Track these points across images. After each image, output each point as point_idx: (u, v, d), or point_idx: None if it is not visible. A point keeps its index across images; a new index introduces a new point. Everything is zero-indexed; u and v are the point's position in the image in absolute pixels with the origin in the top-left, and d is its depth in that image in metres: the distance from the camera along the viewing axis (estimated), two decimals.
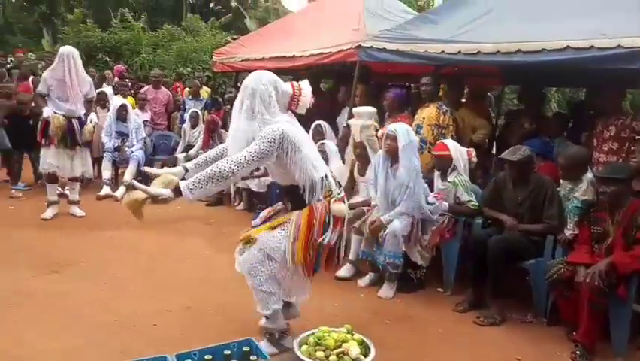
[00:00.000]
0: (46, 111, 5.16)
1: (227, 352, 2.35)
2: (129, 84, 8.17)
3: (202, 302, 3.52)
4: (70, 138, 5.25)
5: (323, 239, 2.63)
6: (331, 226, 2.67)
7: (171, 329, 3.15)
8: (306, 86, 2.76)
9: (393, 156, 3.78)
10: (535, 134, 4.58)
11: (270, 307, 2.77)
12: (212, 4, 21.11)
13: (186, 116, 7.12)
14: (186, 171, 2.75)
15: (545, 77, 5.30)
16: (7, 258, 4.15)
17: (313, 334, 2.18)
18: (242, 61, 6.60)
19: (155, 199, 2.51)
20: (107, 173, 6.36)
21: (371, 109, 4.12)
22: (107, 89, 7.59)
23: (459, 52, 4.02)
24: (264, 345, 2.85)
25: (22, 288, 3.58)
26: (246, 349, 2.40)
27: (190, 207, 6.12)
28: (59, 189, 5.67)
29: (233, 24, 18.04)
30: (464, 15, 4.48)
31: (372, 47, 4.65)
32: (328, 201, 2.69)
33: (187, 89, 8.73)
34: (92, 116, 5.55)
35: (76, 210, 5.41)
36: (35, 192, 6.26)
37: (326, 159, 4.67)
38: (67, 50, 5.23)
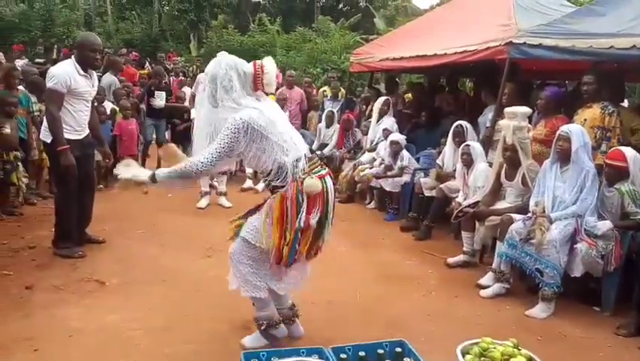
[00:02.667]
0: (194, 113, 5.67)
1: (380, 351, 2.35)
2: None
3: (343, 297, 3.58)
4: None
5: (298, 222, 2.53)
6: (305, 205, 2.54)
7: (316, 321, 3.22)
8: (267, 63, 2.61)
9: (564, 158, 3.53)
10: None
11: (253, 294, 2.71)
12: (341, 6, 21.57)
13: (323, 115, 7.32)
14: None
15: None
16: (172, 241, 4.59)
17: (477, 344, 2.09)
18: (380, 61, 6.62)
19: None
20: (249, 168, 6.78)
21: (526, 109, 3.85)
22: None
23: (633, 46, 3.60)
24: (251, 339, 2.84)
25: (181, 268, 3.94)
26: (398, 350, 2.38)
27: None
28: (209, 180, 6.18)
29: (361, 24, 18.23)
30: (636, 5, 4.01)
31: (525, 43, 4.36)
32: (302, 181, 2.56)
33: (326, 89, 8.98)
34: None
35: (224, 201, 5.84)
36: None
37: (470, 161, 4.50)
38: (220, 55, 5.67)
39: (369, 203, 6.21)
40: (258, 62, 2.59)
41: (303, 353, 2.31)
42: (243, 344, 2.81)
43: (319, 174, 2.64)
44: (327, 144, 7.10)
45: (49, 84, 3.81)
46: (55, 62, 12.28)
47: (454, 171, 4.99)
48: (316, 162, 2.70)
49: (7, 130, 4.76)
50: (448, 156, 5.17)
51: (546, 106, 4.26)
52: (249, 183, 6.67)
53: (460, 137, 4.97)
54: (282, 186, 2.57)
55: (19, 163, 5.08)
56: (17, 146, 5.06)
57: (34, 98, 5.60)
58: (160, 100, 7.11)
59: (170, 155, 2.73)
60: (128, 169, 2.69)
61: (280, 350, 2.32)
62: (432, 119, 6.24)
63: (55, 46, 15.44)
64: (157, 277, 3.72)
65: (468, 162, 4.53)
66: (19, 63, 10.81)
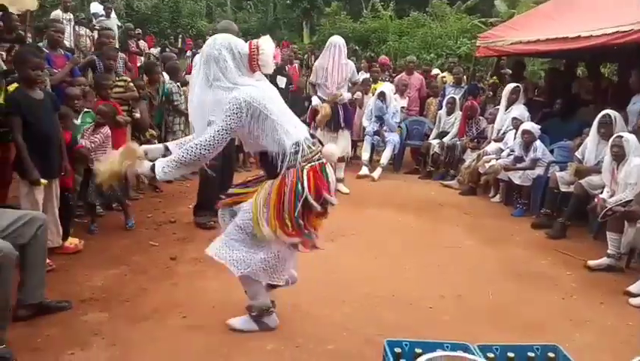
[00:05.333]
0: (315, 100, 5.73)
1: (530, 354, 2.20)
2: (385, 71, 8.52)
3: (473, 293, 3.44)
4: (333, 122, 5.74)
5: (296, 212, 2.42)
6: (305, 193, 2.43)
7: (445, 314, 3.14)
8: (264, 42, 2.46)
9: None
10: None
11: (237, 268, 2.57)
12: None
13: (444, 102, 7.06)
14: (166, 149, 2.67)
15: None
16: None
17: None
18: (511, 44, 6.18)
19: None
20: (365, 155, 6.75)
21: None
22: (365, 75, 8.03)
23: None
24: (241, 321, 2.73)
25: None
26: (551, 355, 2.21)
27: (444, 193, 6.15)
28: None
29: (478, 7, 17.27)
30: None
31: None
32: (302, 168, 2.45)
33: (445, 75, 8.68)
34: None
35: (342, 188, 5.88)
36: None
37: (622, 155, 4.05)
38: (334, 40, 5.69)
39: (494, 196, 5.88)
40: (254, 41, 2.48)
41: (447, 347, 2.23)
42: (230, 324, 2.77)
43: (320, 161, 2.55)
44: (447, 132, 6.83)
45: (193, 72, 4.06)
46: (180, 51, 13.27)
47: (597, 165, 4.55)
48: (317, 150, 2.59)
49: (138, 115, 5.00)
50: (590, 148, 4.71)
51: None
52: (364, 170, 6.64)
53: (607, 128, 4.49)
54: (278, 173, 2.47)
55: (156, 141, 5.47)
56: (147, 128, 5.26)
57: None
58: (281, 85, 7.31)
59: (129, 154, 2.54)
60: (122, 159, 2.52)
61: (424, 341, 2.26)
62: (567, 107, 5.74)
63: (180, 36, 16.63)
64: None
65: (619, 156, 4.07)
66: (153, 52, 11.83)
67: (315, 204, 2.47)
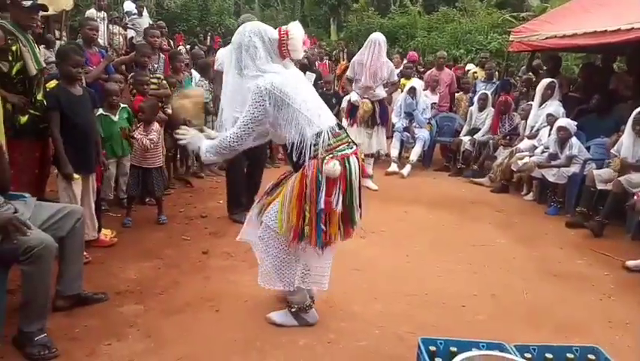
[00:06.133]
0: (353, 95, 5.68)
1: (569, 355, 2.13)
2: (414, 67, 8.43)
3: (507, 292, 3.36)
4: (371, 118, 5.71)
5: (318, 202, 2.38)
6: (324, 186, 2.38)
7: (479, 313, 3.08)
8: (293, 27, 2.40)
9: None
10: None
11: (272, 284, 2.63)
12: None
13: (475, 98, 6.93)
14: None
15: None
16: None
17: None
18: (546, 39, 6.02)
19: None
20: (394, 151, 6.68)
21: None
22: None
23: None
24: (281, 315, 2.70)
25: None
26: (591, 357, 2.14)
27: (475, 190, 6.05)
28: None
29: (509, 1, 16.92)
30: None
31: None
32: (322, 159, 2.39)
33: (476, 70, 8.53)
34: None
35: (371, 184, 5.84)
36: None
37: None
38: (374, 37, 5.63)
39: (527, 194, 5.74)
40: (284, 27, 2.46)
41: (483, 346, 2.19)
42: (270, 318, 2.76)
43: (343, 153, 2.46)
44: (478, 129, 6.71)
45: (215, 67, 4.09)
46: (208, 48, 13.41)
47: (637, 162, 4.41)
48: (344, 139, 2.52)
49: (169, 110, 4.98)
50: (627, 146, 4.56)
51: None
52: (394, 167, 6.59)
53: None
54: (303, 164, 2.44)
55: None
56: (181, 124, 5.39)
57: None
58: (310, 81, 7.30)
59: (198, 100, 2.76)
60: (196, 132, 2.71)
61: (459, 340, 2.22)
62: (605, 103, 5.56)
63: (209, 34, 16.80)
64: None
65: None
66: (182, 50, 11.98)
67: (330, 200, 2.41)
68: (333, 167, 2.38)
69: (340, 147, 2.48)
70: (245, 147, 2.50)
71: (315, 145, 2.42)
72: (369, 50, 5.55)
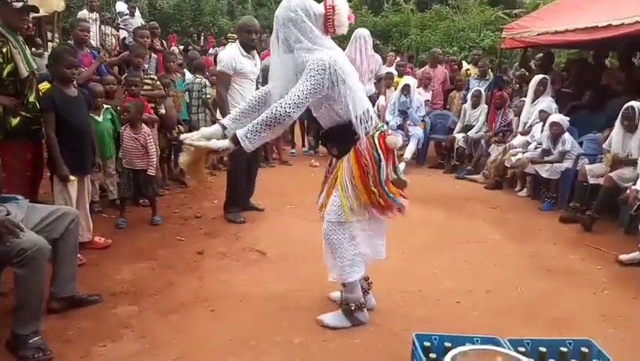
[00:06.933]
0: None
1: (563, 349, 2.15)
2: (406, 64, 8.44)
3: (502, 288, 3.37)
4: None
5: (380, 175, 2.45)
6: (383, 160, 2.45)
7: (474, 309, 3.09)
8: (339, 1, 2.37)
9: None
10: None
11: (351, 275, 2.62)
12: None
13: (468, 95, 6.95)
14: (224, 128, 2.58)
15: None
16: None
17: None
18: (538, 35, 6.04)
19: (214, 152, 2.45)
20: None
21: None
22: (391, 69, 7.97)
23: None
24: (333, 317, 2.70)
25: None
26: (584, 350, 2.16)
27: (469, 187, 6.07)
28: None
29: None
30: None
31: None
32: (372, 136, 2.46)
33: (469, 67, 8.56)
34: (381, 99, 5.86)
35: None
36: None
37: None
38: (359, 32, 5.66)
39: (521, 190, 5.76)
40: (329, 1, 2.40)
41: (477, 341, 2.21)
42: (322, 321, 2.74)
43: (384, 130, 2.56)
44: (472, 126, 6.73)
45: (217, 67, 4.10)
46: (201, 48, 13.38)
47: (627, 156, 4.45)
48: (375, 117, 2.60)
49: (162, 110, 5.01)
50: (616, 140, 4.61)
51: None
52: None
53: (630, 120, 4.44)
54: (352, 144, 2.47)
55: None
56: (175, 124, 5.25)
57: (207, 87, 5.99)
58: None
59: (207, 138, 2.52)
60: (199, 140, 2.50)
61: (453, 335, 2.24)
62: (597, 99, 5.59)
63: (202, 34, 16.77)
64: (312, 252, 3.79)
65: None
66: (175, 50, 11.95)
67: (388, 171, 2.50)
68: (394, 140, 2.52)
69: (379, 125, 2.57)
70: (297, 116, 2.40)
71: (366, 122, 2.48)
72: (356, 45, 5.57)
